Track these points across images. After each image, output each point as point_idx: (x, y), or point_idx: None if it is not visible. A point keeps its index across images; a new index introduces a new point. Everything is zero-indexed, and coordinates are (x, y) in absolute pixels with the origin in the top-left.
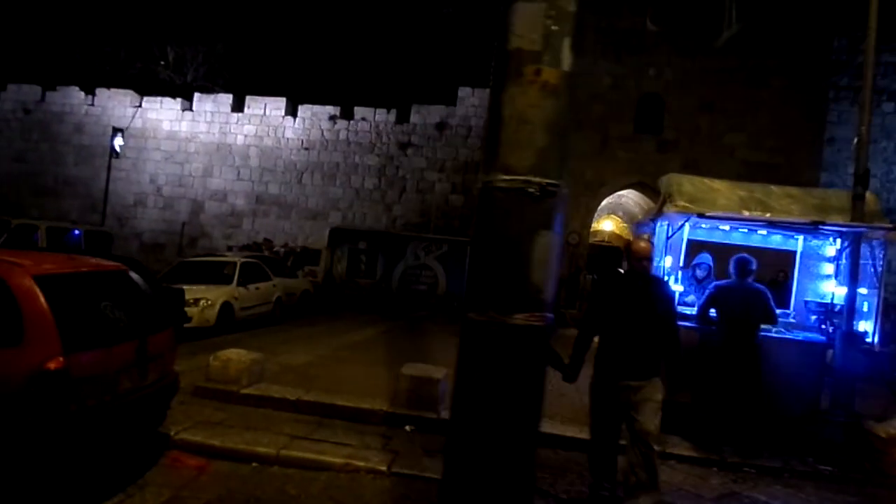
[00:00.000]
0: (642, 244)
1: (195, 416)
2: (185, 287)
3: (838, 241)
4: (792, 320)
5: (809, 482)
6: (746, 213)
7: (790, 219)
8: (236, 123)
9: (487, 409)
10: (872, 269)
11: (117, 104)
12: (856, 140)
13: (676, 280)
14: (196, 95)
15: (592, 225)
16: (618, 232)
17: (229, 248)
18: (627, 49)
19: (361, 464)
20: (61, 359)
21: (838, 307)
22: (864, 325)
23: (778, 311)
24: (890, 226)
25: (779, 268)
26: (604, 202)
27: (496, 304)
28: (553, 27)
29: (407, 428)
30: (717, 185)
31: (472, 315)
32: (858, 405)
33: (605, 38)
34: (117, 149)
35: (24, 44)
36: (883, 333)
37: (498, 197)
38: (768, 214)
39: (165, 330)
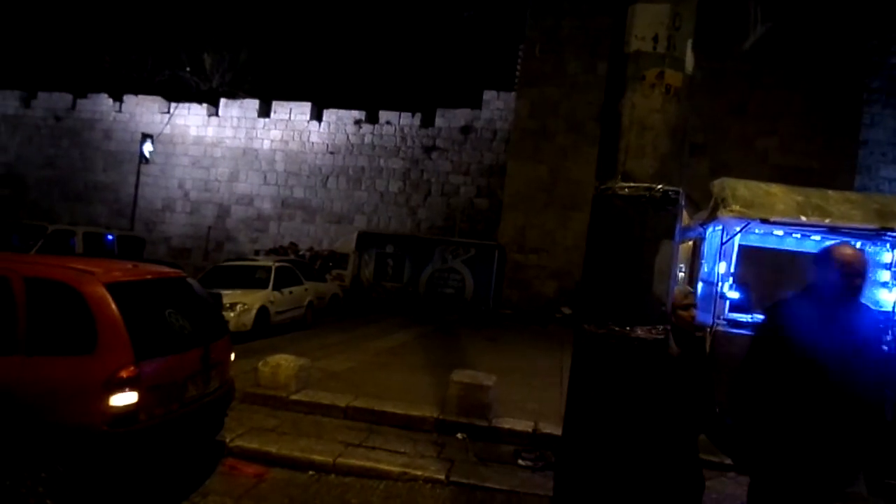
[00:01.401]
0: (850, 251)
1: (247, 423)
2: (221, 292)
3: None
4: None
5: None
6: (804, 219)
7: (855, 224)
8: (262, 128)
9: (606, 426)
10: None
11: (145, 111)
12: None
13: (731, 287)
14: (222, 101)
15: None
16: None
17: (256, 253)
18: None
19: (419, 472)
20: (134, 367)
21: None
22: None
23: None
24: None
25: None
26: None
27: (616, 316)
28: (675, 28)
29: (459, 436)
30: (774, 189)
31: (588, 327)
32: None
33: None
34: (147, 154)
35: (53, 52)
36: None
37: (618, 205)
38: (828, 220)
39: (224, 337)
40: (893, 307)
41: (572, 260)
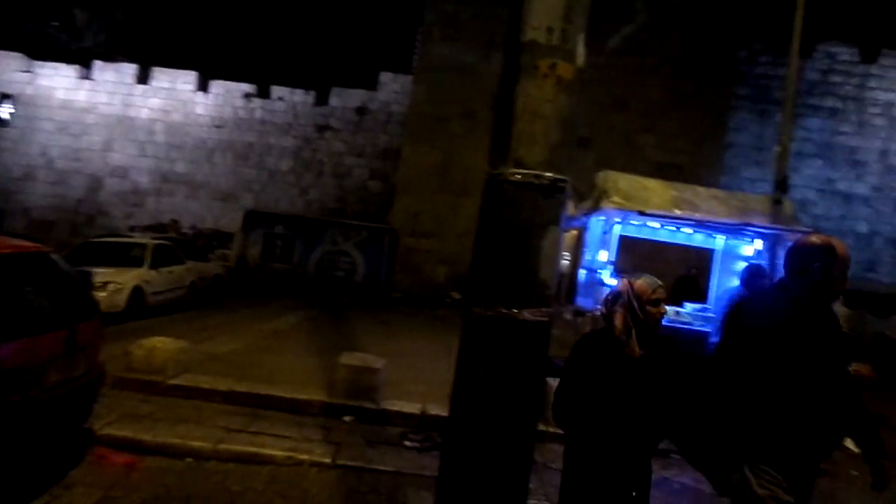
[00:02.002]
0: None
1: (118, 410)
2: (91, 269)
3: (756, 241)
4: (711, 314)
5: None
6: (677, 212)
7: (721, 219)
8: (141, 96)
9: (493, 405)
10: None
11: (3, 67)
12: (776, 149)
13: (611, 275)
14: (96, 63)
15: None
16: None
17: (132, 229)
18: None
19: (305, 456)
20: None
21: None
22: None
23: (697, 306)
24: (809, 229)
25: (691, 265)
26: None
27: (504, 298)
28: (569, 21)
29: (346, 419)
30: (651, 184)
31: (477, 309)
32: None
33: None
34: (5, 116)
35: None
36: None
37: (508, 190)
38: (697, 214)
39: (93, 318)
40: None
41: (463, 245)
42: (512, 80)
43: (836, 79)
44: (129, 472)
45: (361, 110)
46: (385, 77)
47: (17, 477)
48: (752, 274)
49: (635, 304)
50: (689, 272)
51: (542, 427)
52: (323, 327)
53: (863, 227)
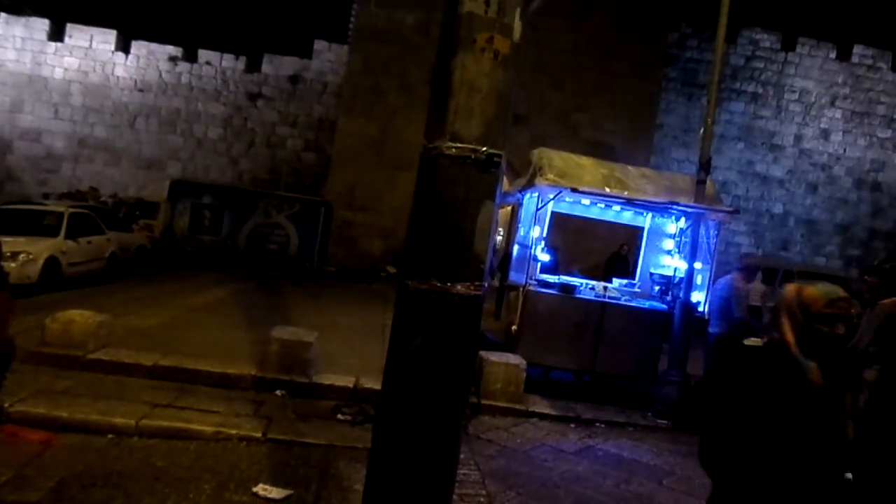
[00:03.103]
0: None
1: (32, 386)
2: (1, 238)
3: (682, 219)
4: (637, 290)
5: (650, 434)
6: (608, 190)
7: (649, 198)
8: (54, 54)
9: (425, 378)
10: (707, 247)
11: None
12: (701, 131)
13: (543, 250)
14: (1, 16)
15: None
16: None
17: (45, 196)
18: None
19: (234, 431)
20: None
21: (678, 279)
22: (697, 296)
23: (625, 282)
24: (730, 208)
25: (622, 242)
26: None
27: (438, 272)
28: None
29: (278, 392)
30: (584, 161)
31: (411, 282)
32: (689, 367)
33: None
34: None
35: None
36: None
37: (443, 164)
38: (626, 192)
39: (4, 290)
40: (674, 271)
41: (399, 220)
42: (449, 52)
43: (758, 65)
44: (43, 450)
45: (295, 79)
46: (320, 45)
47: None
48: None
49: (799, 316)
50: (620, 249)
51: (472, 399)
52: (254, 301)
53: (778, 208)
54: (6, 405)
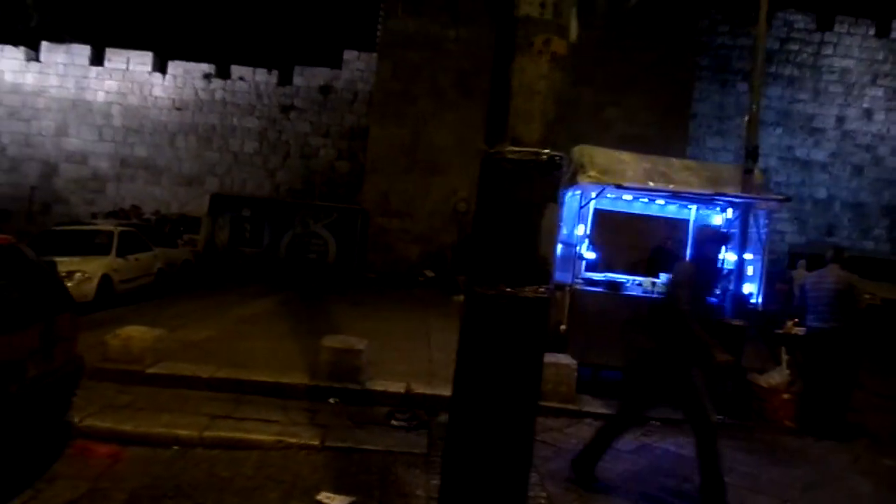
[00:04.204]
0: None
1: (98, 401)
2: (56, 259)
3: (729, 210)
4: None
5: None
6: (651, 184)
7: (694, 190)
8: (95, 78)
9: (498, 383)
10: (757, 237)
11: None
12: (746, 118)
13: (588, 248)
14: (44, 44)
15: None
16: None
17: (93, 216)
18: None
19: (293, 440)
20: None
21: (727, 271)
22: (749, 288)
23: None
24: (781, 196)
25: (664, 236)
26: None
27: (506, 277)
28: None
29: (331, 400)
30: (625, 156)
31: (479, 289)
32: (743, 360)
33: (491, 7)
34: None
35: None
36: (765, 295)
37: (506, 169)
38: (671, 186)
39: (69, 309)
40: (723, 264)
41: (434, 224)
42: (505, 56)
43: (794, 47)
44: (113, 462)
45: (326, 89)
46: (349, 55)
47: (2, 471)
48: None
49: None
50: (663, 243)
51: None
52: (298, 311)
53: (821, 193)
54: (75, 420)
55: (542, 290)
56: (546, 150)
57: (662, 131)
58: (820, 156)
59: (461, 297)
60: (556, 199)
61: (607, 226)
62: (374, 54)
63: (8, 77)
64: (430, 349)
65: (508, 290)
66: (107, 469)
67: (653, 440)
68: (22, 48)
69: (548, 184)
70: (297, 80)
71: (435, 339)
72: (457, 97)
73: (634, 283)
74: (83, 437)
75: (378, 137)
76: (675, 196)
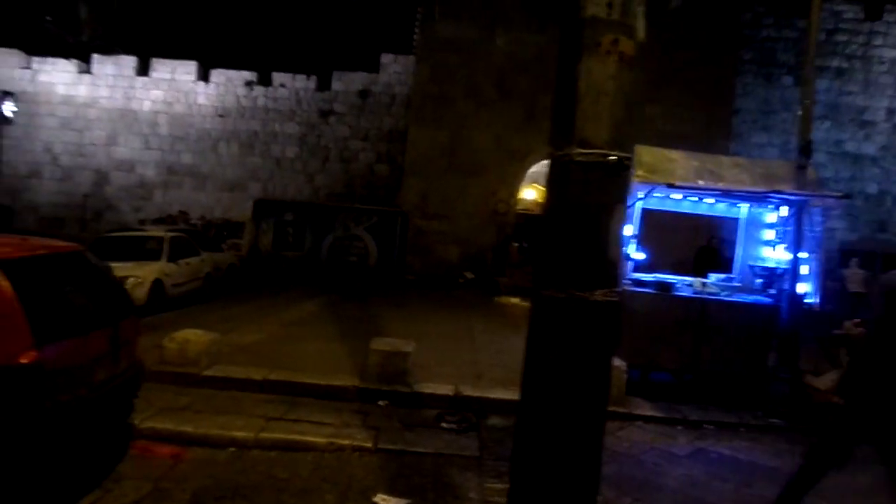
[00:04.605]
0: None
1: (157, 403)
2: (110, 265)
3: (783, 208)
4: (736, 284)
5: (765, 434)
6: (701, 183)
7: (746, 188)
8: (142, 88)
9: (568, 389)
10: (812, 235)
11: (2, 65)
12: (798, 113)
13: (636, 249)
14: (95, 57)
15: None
16: (540, 200)
17: (142, 222)
18: (553, 19)
19: (346, 442)
20: (35, 352)
21: (781, 271)
22: (804, 287)
23: (722, 276)
24: (838, 193)
25: (708, 235)
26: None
27: (576, 280)
28: None
29: (381, 403)
30: (674, 155)
31: (548, 292)
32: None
33: (531, 8)
34: (8, 114)
35: None
36: (826, 295)
37: (574, 171)
38: (721, 184)
39: (132, 314)
40: (776, 262)
41: (474, 225)
42: (571, 58)
43: (842, 38)
44: (175, 463)
45: (364, 93)
46: (386, 59)
47: (70, 473)
48: None
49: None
50: (709, 242)
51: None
52: (342, 313)
53: (872, 188)
54: (137, 422)
55: (613, 293)
56: (615, 152)
57: (704, 128)
58: (870, 149)
59: (503, 299)
60: (624, 201)
61: (654, 226)
62: (411, 57)
63: (61, 89)
64: (475, 351)
65: (578, 293)
66: (168, 470)
67: (708, 444)
68: (74, 61)
69: (616, 185)
70: (336, 85)
71: (479, 341)
72: (495, 98)
73: (685, 284)
74: (144, 438)
75: (416, 140)
76: (726, 194)
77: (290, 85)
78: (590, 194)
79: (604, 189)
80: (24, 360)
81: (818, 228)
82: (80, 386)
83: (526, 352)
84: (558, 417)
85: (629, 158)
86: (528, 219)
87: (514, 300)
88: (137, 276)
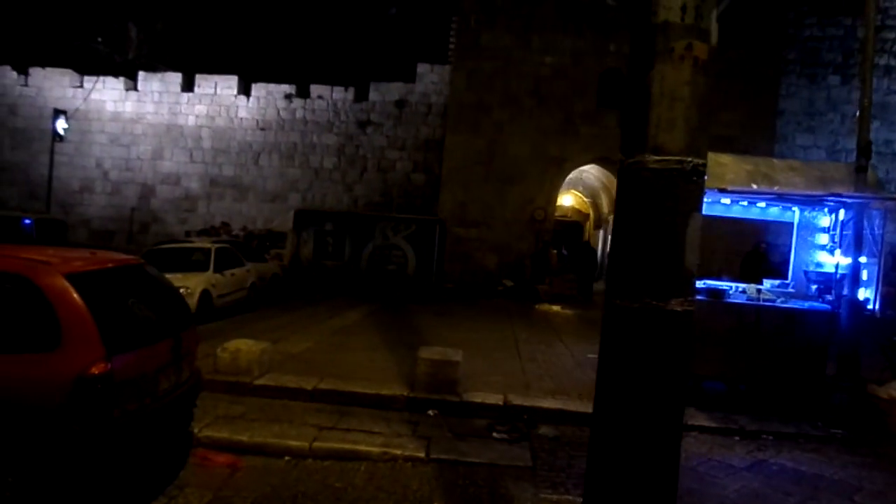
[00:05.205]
0: None
1: (213, 412)
2: None
3: (841, 211)
4: (791, 290)
5: (826, 446)
6: (755, 187)
7: (800, 191)
8: (186, 103)
9: (644, 400)
10: (871, 239)
11: (55, 84)
12: (857, 114)
13: None
14: (141, 74)
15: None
16: (577, 207)
17: (186, 234)
18: (589, 24)
19: (399, 452)
20: (106, 363)
21: (839, 276)
22: (864, 293)
23: (777, 282)
24: None
25: (758, 239)
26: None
27: (651, 289)
28: None
29: (430, 412)
30: (724, 159)
31: (622, 302)
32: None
33: (566, 14)
34: (61, 132)
35: None
36: (882, 300)
37: (648, 178)
38: (776, 187)
39: (192, 325)
40: (836, 267)
41: (512, 233)
42: (643, 64)
43: (889, 35)
44: (233, 472)
45: (401, 103)
46: (422, 68)
47: (137, 480)
48: None
49: None
50: (756, 247)
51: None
52: (385, 322)
53: None
54: (195, 430)
55: (689, 302)
56: (690, 159)
57: (747, 130)
58: None
59: (543, 307)
60: (700, 209)
61: (703, 232)
62: (447, 66)
63: (109, 106)
64: (520, 360)
65: (654, 302)
66: (228, 478)
67: (768, 456)
68: (122, 79)
69: (693, 193)
70: (373, 95)
71: (523, 350)
72: (531, 105)
73: (738, 291)
74: (203, 446)
75: (454, 148)
76: (779, 198)
77: (327, 97)
78: (665, 201)
79: (680, 196)
80: (95, 371)
81: (878, 232)
82: (145, 395)
83: (599, 362)
84: (635, 430)
85: (704, 165)
86: (566, 226)
87: (555, 307)
88: (186, 286)
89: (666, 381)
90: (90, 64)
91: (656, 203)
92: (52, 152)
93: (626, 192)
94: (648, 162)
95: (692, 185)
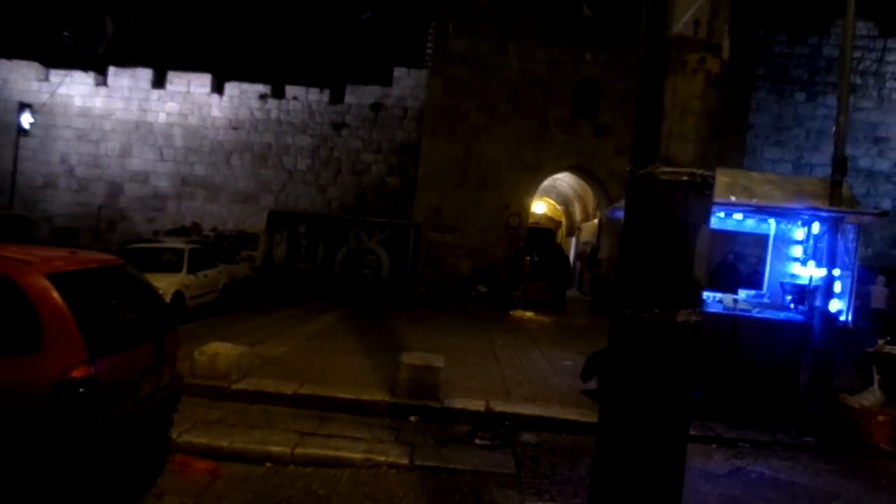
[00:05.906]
0: None
1: (191, 416)
2: None
3: (816, 224)
4: (766, 300)
5: (801, 454)
6: (733, 199)
7: (778, 203)
8: (157, 100)
9: (651, 411)
10: (845, 252)
11: (20, 77)
12: (834, 129)
13: None
14: (111, 69)
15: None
16: (550, 214)
17: (155, 233)
18: (566, 34)
19: (382, 458)
20: (89, 366)
21: (812, 288)
22: (837, 304)
23: (752, 292)
24: (876, 211)
25: (727, 250)
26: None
27: (660, 300)
28: (715, 14)
29: (412, 418)
30: None
31: (630, 312)
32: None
33: (544, 23)
34: (26, 126)
35: None
36: (855, 312)
37: (659, 189)
38: (754, 200)
39: (174, 328)
40: (810, 280)
41: (486, 238)
42: (656, 76)
43: (856, 54)
44: (213, 479)
45: (377, 106)
46: (399, 72)
47: (115, 487)
48: None
49: None
50: (726, 258)
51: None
52: (361, 327)
53: (887, 204)
54: (174, 436)
55: (696, 313)
56: (700, 170)
57: (717, 142)
58: (884, 166)
59: (517, 313)
60: (708, 220)
61: None
62: (424, 71)
63: (78, 101)
64: (499, 366)
65: (661, 313)
66: (208, 485)
67: (745, 463)
68: (91, 73)
69: (702, 204)
70: (349, 97)
71: (501, 356)
72: (508, 112)
73: (715, 301)
74: (182, 452)
75: (429, 153)
76: (757, 210)
77: (303, 98)
78: (675, 212)
79: (689, 207)
80: (77, 375)
81: (852, 245)
82: (127, 400)
83: (605, 371)
84: (642, 439)
85: (713, 177)
86: (539, 232)
87: (529, 314)
88: (159, 287)
89: (674, 391)
90: (58, 57)
91: (667, 214)
92: (16, 147)
93: (636, 202)
94: (659, 173)
95: (702, 197)
